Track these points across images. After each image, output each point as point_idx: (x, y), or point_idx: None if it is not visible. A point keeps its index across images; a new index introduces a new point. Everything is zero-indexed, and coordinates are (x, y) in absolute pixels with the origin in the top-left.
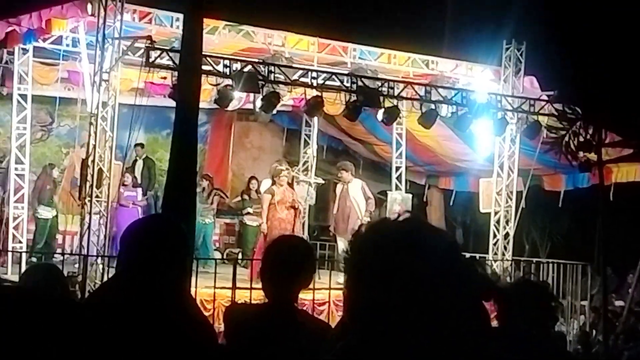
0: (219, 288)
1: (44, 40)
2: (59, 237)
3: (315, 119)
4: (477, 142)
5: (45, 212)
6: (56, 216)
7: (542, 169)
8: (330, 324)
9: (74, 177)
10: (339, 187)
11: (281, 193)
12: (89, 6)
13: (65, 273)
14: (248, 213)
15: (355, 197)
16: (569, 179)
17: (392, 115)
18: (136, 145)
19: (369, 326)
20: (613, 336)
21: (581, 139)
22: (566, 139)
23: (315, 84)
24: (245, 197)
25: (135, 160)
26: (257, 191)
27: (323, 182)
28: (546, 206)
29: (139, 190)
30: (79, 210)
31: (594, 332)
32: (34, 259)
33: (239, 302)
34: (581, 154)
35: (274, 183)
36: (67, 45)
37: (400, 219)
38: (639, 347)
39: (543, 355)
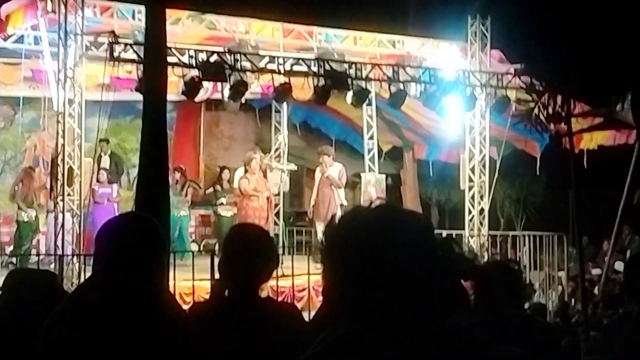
0: (197, 280)
1: (5, 39)
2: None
3: (285, 106)
4: (447, 117)
5: (28, 216)
6: (37, 217)
7: (514, 137)
8: (295, 305)
9: (35, 155)
10: (319, 172)
11: (254, 181)
12: (49, 3)
13: None
14: (221, 204)
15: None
16: (542, 146)
17: (361, 97)
18: (101, 141)
19: (350, 315)
20: (592, 305)
21: (550, 111)
22: (535, 111)
23: (282, 70)
24: (218, 187)
25: (100, 157)
26: (230, 181)
27: (296, 168)
28: (522, 173)
29: (114, 186)
30: (46, 208)
31: (573, 301)
32: (13, 260)
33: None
34: (551, 125)
35: (246, 171)
36: (29, 43)
37: (373, 206)
38: (617, 314)
39: (526, 333)
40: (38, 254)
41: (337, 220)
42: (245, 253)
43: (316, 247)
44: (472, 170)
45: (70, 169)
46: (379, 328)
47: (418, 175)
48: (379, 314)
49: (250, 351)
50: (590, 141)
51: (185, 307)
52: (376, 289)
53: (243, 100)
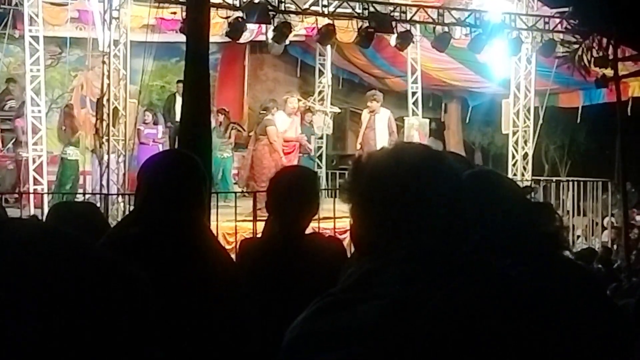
0: (240, 221)
1: None
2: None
3: (329, 48)
4: (490, 68)
5: (74, 154)
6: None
7: (558, 87)
8: (341, 241)
9: (82, 96)
10: (365, 115)
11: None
12: None
13: None
14: None
15: (382, 128)
16: (586, 95)
17: (405, 40)
18: (178, 81)
19: (380, 251)
20: (635, 251)
21: (595, 54)
22: (579, 52)
23: (326, 12)
24: None
25: (175, 96)
26: None
27: (339, 110)
28: (564, 124)
29: (159, 127)
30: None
31: (616, 247)
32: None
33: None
34: (597, 69)
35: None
36: None
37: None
38: None
39: (567, 276)
40: (84, 193)
41: (364, 158)
42: (290, 192)
43: (342, 186)
44: (517, 114)
45: (116, 109)
46: (410, 263)
47: (461, 120)
48: (410, 249)
49: (297, 282)
50: (637, 88)
51: (229, 247)
52: (408, 224)
53: (287, 42)
